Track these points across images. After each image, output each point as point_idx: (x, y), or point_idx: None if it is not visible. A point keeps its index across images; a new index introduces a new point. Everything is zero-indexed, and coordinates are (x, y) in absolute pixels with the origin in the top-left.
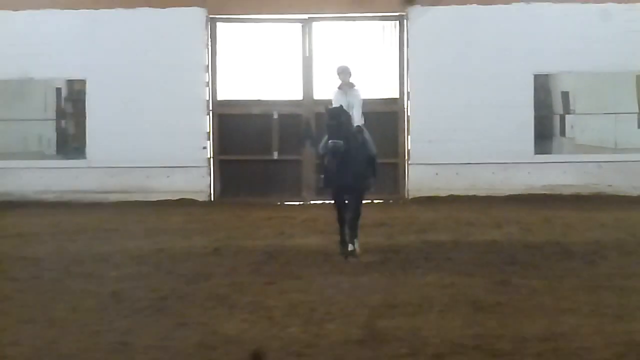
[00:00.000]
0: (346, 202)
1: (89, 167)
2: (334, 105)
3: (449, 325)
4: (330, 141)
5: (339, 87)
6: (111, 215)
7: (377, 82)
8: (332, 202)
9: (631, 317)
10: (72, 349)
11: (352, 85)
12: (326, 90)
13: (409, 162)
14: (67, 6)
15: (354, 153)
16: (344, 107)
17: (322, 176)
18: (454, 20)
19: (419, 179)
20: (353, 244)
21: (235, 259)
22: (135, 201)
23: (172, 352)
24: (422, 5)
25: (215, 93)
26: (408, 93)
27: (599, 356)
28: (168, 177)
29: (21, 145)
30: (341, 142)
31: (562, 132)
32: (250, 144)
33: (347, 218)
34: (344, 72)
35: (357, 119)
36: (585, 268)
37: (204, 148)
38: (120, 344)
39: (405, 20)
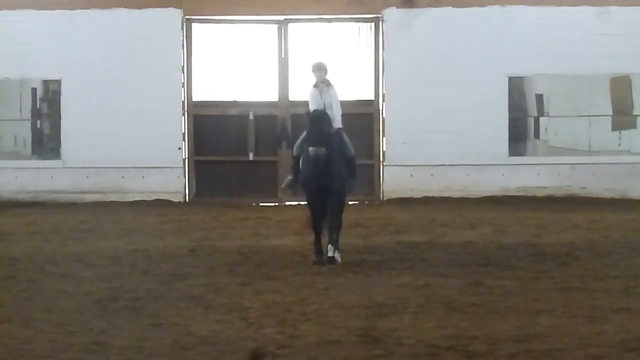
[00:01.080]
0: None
1: (64, 168)
2: (310, 105)
3: (423, 326)
4: (311, 148)
5: (315, 86)
6: (86, 216)
7: (352, 84)
8: (307, 205)
9: (604, 318)
10: (47, 349)
11: (328, 83)
12: (302, 91)
13: (384, 164)
14: (43, 6)
15: (333, 155)
16: (321, 107)
17: (290, 177)
18: (429, 22)
19: (394, 180)
20: (333, 249)
21: (210, 259)
22: (111, 201)
23: (147, 353)
24: (397, 7)
25: (191, 94)
26: (383, 95)
27: (572, 357)
28: (143, 177)
29: None
30: (323, 149)
31: (536, 135)
32: (226, 145)
33: (327, 222)
34: (319, 69)
35: (338, 121)
36: (558, 269)
37: (180, 149)
38: (95, 345)
39: (380, 22)
